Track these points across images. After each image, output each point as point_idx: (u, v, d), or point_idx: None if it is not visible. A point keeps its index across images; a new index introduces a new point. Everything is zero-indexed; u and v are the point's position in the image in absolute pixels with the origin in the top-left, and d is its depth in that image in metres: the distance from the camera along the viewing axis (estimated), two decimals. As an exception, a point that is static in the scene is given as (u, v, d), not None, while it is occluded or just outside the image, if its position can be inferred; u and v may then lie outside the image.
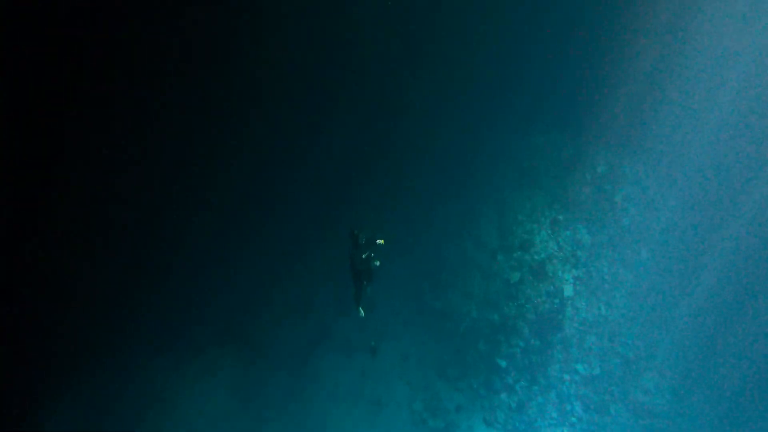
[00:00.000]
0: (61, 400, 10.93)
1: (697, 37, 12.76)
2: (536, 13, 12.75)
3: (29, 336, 11.01)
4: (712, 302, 11.81)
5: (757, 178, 11.87)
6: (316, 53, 12.42)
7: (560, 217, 12.46)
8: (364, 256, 8.76)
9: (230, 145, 12.56)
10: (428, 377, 11.66)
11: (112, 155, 11.51)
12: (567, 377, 11.29)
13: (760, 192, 11.78)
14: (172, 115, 11.73)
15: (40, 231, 11.09)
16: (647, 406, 11.16)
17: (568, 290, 11.72)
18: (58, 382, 11.01)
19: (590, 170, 12.90)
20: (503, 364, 11.48)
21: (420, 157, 13.18)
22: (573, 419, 11.01)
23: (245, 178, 12.72)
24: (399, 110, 12.95)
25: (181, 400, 11.16)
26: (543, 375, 11.26)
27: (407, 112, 13.03)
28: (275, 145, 12.86)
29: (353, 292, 9.13)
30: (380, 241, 8.55)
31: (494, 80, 13.31)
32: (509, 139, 13.39)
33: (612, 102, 12.99)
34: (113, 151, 11.51)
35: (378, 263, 8.79)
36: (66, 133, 10.75)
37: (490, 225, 12.82)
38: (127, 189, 11.78)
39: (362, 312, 9.23)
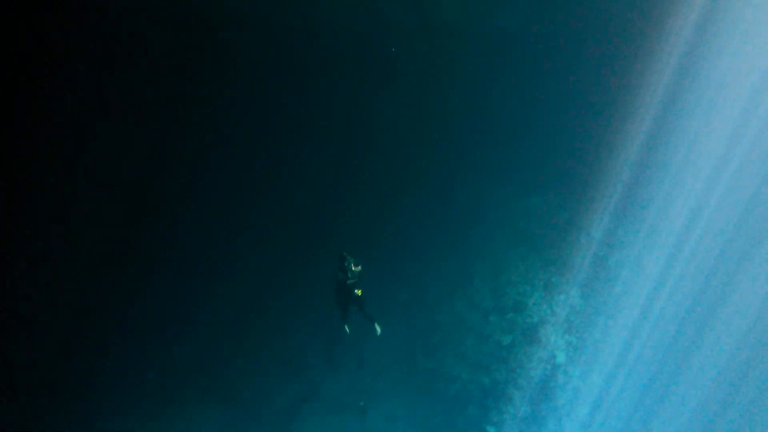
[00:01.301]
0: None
1: (695, 104, 13.06)
2: (535, 75, 13.16)
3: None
4: (710, 376, 11.62)
5: (752, 256, 11.88)
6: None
7: (554, 280, 12.45)
8: (349, 282, 8.72)
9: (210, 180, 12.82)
10: (416, 442, 11.44)
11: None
12: (558, 448, 11.03)
13: (757, 265, 11.76)
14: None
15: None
16: (642, 482, 10.83)
17: (560, 356, 11.58)
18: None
19: (585, 234, 12.97)
20: (492, 431, 11.24)
21: (415, 215, 13.36)
22: (564, 492, 10.68)
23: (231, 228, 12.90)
24: (393, 167, 13.23)
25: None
26: (533, 446, 11.01)
27: (403, 170, 13.33)
28: (268, 189, 13.14)
29: (338, 312, 9.06)
30: (357, 268, 8.56)
31: (492, 141, 13.64)
32: (505, 199, 13.55)
33: (609, 167, 13.19)
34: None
35: (359, 292, 8.73)
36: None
37: (483, 285, 12.81)
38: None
39: (348, 329, 9.18)
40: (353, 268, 8.59)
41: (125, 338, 11.87)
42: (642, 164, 12.80)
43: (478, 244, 13.37)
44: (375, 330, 9.06)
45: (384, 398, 12.02)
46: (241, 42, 11.88)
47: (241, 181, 13.01)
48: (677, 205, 12.73)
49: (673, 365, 11.71)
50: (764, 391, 11.48)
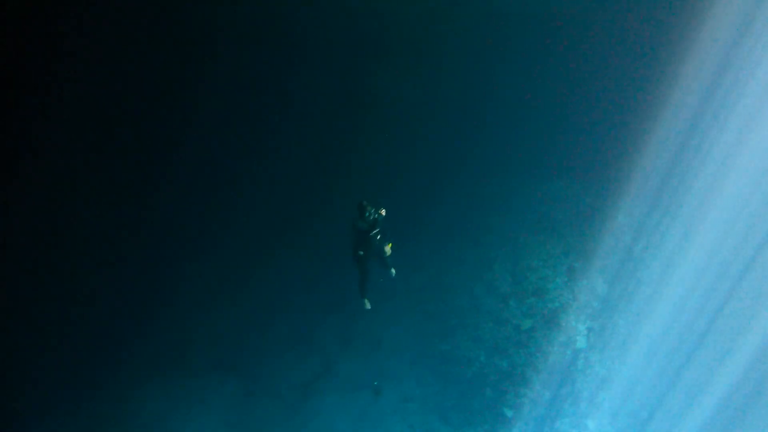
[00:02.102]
0: (47, 422, 10.83)
1: (729, 90, 12.65)
2: (559, 58, 12.90)
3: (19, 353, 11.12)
4: (742, 369, 11.17)
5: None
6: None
7: (576, 266, 12.16)
8: (371, 234, 7.82)
9: (242, 164, 12.81)
10: (430, 422, 11.21)
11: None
12: (576, 433, 10.71)
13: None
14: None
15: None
16: (662, 472, 10.45)
17: (581, 341, 11.28)
18: (44, 401, 10.91)
19: (609, 219, 12.66)
20: (509, 414, 10.97)
21: (434, 199, 13.22)
22: (582, 480, 10.37)
23: (251, 206, 12.89)
24: (412, 151, 13.11)
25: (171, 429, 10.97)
26: (550, 428, 10.69)
27: (421, 154, 13.20)
28: (298, 178, 13.13)
29: (358, 279, 8.24)
30: (382, 211, 7.69)
31: (514, 124, 13.43)
32: (527, 184, 13.33)
33: (634, 151, 12.87)
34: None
35: (389, 247, 7.93)
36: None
37: (503, 270, 12.57)
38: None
39: (368, 304, 8.46)
40: (379, 213, 7.68)
41: (143, 310, 11.95)
42: (677, 149, 12.42)
43: (499, 230, 13.16)
44: (390, 273, 8.47)
45: (398, 379, 11.85)
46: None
47: (259, 172, 13.01)
48: (712, 193, 12.31)
49: (704, 356, 11.28)
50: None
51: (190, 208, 12.79)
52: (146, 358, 11.93)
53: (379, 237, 7.90)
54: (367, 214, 7.67)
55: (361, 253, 7.95)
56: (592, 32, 12.24)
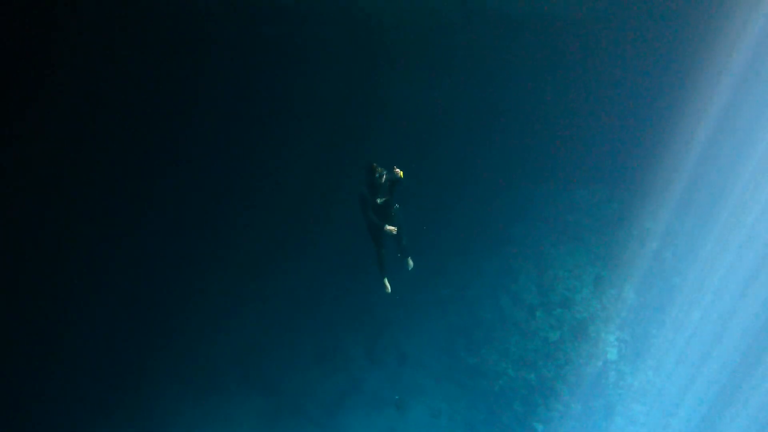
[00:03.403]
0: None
1: (764, 89, 12.27)
2: (580, 64, 12.75)
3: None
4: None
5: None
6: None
7: (604, 275, 11.89)
8: (379, 201, 6.80)
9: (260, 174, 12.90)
10: (459, 438, 11.05)
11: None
12: (611, 449, 10.38)
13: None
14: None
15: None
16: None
17: (611, 353, 10.98)
18: (68, 418, 11.05)
19: (637, 225, 12.37)
20: (540, 428, 10.71)
21: (457, 209, 13.14)
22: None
23: (272, 218, 12.99)
24: (431, 159, 13.07)
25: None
26: (583, 444, 10.41)
27: (440, 162, 13.16)
28: (317, 187, 13.22)
29: (375, 256, 7.36)
30: (399, 172, 6.68)
31: (535, 130, 13.28)
32: (551, 193, 13.14)
33: (661, 155, 12.58)
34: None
35: (397, 207, 6.90)
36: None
37: (528, 280, 12.38)
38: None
39: (389, 286, 7.55)
40: (395, 174, 6.63)
41: (167, 325, 12.15)
42: (706, 152, 12.08)
43: (522, 239, 12.98)
44: (408, 265, 7.64)
45: (426, 394, 11.72)
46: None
47: (279, 182, 13.15)
48: (745, 196, 11.92)
49: (744, 367, 10.83)
50: None
51: (211, 221, 13.03)
52: (172, 374, 12.10)
53: (393, 209, 6.97)
54: (377, 175, 6.61)
55: (378, 222, 6.90)
56: (616, 36, 12.05)
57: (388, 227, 6.81)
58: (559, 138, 12.95)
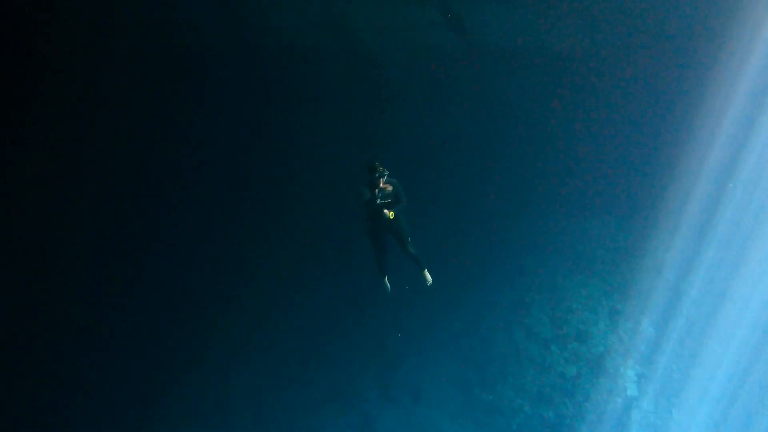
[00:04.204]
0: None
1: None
2: (590, 96, 12.78)
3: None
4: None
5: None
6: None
7: (619, 307, 11.69)
8: (379, 201, 6.64)
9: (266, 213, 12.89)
10: (477, 480, 10.76)
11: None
12: (636, 491, 10.04)
13: None
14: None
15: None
16: None
17: (631, 389, 10.71)
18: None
19: (650, 256, 12.20)
20: (561, 470, 10.44)
21: (468, 241, 13.06)
22: None
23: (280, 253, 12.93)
24: (444, 193, 13.08)
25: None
26: (606, 487, 10.08)
27: (452, 195, 13.15)
28: (324, 221, 13.23)
29: (374, 255, 7.15)
30: (389, 213, 6.56)
31: (545, 161, 13.28)
32: (561, 223, 13.04)
33: (673, 184, 12.48)
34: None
35: (390, 215, 6.64)
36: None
37: (542, 313, 12.19)
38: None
39: (389, 285, 7.39)
40: (382, 185, 6.51)
41: (183, 369, 12.08)
42: (718, 182, 11.94)
43: (534, 271, 12.83)
44: (425, 279, 7.32)
45: (442, 433, 11.49)
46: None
47: (285, 221, 13.18)
48: (759, 225, 11.75)
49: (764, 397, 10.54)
50: None
51: (221, 261, 13.03)
52: (183, 416, 11.98)
53: (388, 205, 6.72)
54: (378, 174, 6.51)
55: (370, 224, 6.81)
56: (623, 66, 12.11)
57: (386, 210, 6.63)
58: (569, 168, 12.94)
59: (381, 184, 6.61)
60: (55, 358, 12.07)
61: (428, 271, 7.38)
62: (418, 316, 13.20)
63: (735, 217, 12.11)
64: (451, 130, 13.23)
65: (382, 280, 7.30)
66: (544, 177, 13.06)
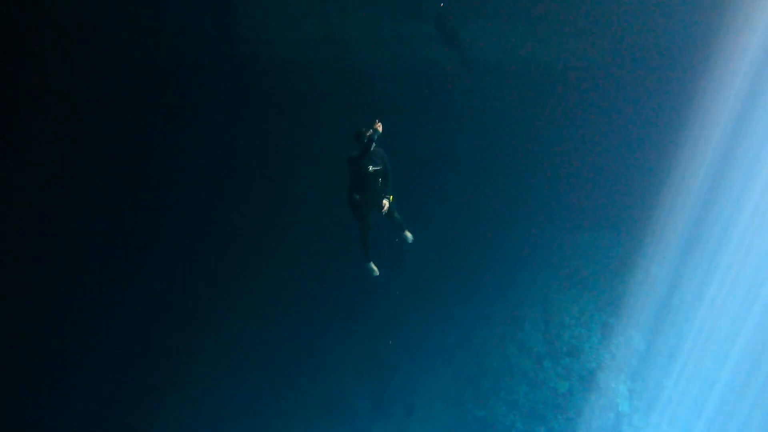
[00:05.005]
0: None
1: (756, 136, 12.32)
2: (582, 109, 12.85)
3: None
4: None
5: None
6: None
7: (612, 322, 11.73)
8: (371, 168, 6.10)
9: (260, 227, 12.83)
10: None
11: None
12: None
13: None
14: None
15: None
16: None
17: (623, 404, 10.74)
18: None
19: (642, 271, 12.26)
20: (553, 487, 10.43)
21: (461, 255, 13.09)
22: None
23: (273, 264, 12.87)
24: (437, 206, 13.09)
25: None
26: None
27: (446, 208, 13.16)
28: (318, 234, 13.20)
29: (358, 235, 6.55)
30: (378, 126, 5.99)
31: (537, 175, 13.34)
32: (554, 238, 13.09)
33: (664, 200, 12.56)
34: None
35: (388, 202, 6.18)
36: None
37: (535, 328, 12.21)
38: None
39: (375, 269, 6.82)
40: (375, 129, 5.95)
41: (175, 380, 11.99)
42: (709, 197, 12.03)
43: (527, 285, 12.87)
44: (407, 238, 6.88)
45: (434, 449, 11.47)
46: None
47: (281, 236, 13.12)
48: (751, 238, 11.84)
49: (761, 418, 10.59)
50: None
51: (214, 271, 12.95)
52: (176, 427, 11.88)
53: (381, 179, 6.19)
54: (366, 140, 6.08)
55: (358, 197, 6.25)
56: (616, 81, 12.21)
57: (385, 201, 6.21)
58: (561, 182, 13.01)
59: (372, 149, 6.09)
60: (53, 358, 12.00)
61: (409, 230, 6.94)
62: (412, 328, 13.21)
63: (726, 231, 12.22)
64: (445, 143, 13.27)
65: (368, 264, 6.75)
66: (536, 191, 13.13)
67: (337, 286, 13.02)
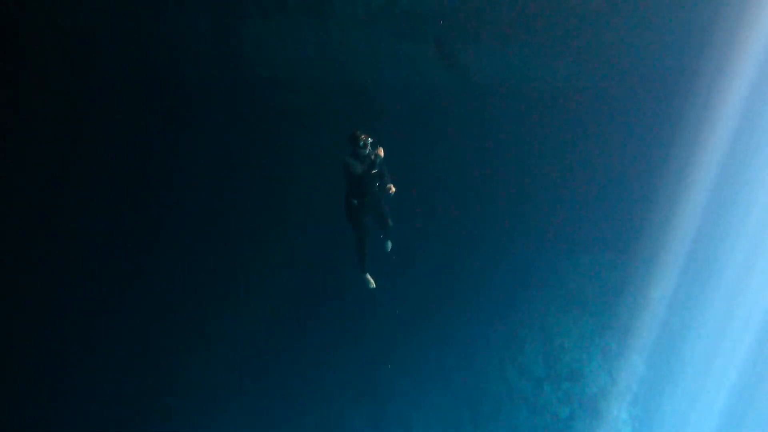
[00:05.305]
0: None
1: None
2: (581, 132, 12.89)
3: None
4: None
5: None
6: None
7: (612, 346, 11.62)
8: (369, 174, 5.97)
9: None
10: None
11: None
12: None
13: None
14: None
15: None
16: None
17: (625, 431, 10.58)
18: None
19: (642, 293, 12.19)
20: None
21: (461, 277, 12.99)
22: None
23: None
24: (435, 226, 13.03)
25: None
26: None
27: (444, 228, 13.11)
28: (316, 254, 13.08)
29: (355, 245, 6.42)
30: (380, 152, 5.93)
31: (536, 196, 13.32)
32: (553, 260, 13.01)
33: (664, 220, 12.53)
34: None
35: (390, 188, 5.96)
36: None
37: (535, 351, 12.08)
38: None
39: (371, 280, 6.60)
40: (377, 154, 5.85)
41: (170, 408, 11.77)
42: (710, 219, 12.02)
43: (527, 307, 12.75)
44: (387, 246, 6.87)
45: (432, 475, 11.23)
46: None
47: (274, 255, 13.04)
48: (749, 263, 11.83)
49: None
50: None
51: (208, 299, 12.79)
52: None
53: (378, 182, 6.04)
54: (362, 144, 5.88)
55: (356, 202, 6.13)
56: (616, 102, 12.26)
57: (390, 186, 5.98)
58: (560, 203, 12.98)
59: (368, 152, 5.92)
60: (54, 359, 11.81)
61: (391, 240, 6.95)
62: (410, 350, 13.02)
63: (726, 254, 12.21)
64: (444, 163, 13.25)
65: (364, 276, 6.56)
66: (535, 211, 13.08)
67: (335, 308, 12.89)
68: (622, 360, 11.42)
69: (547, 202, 13.11)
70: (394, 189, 5.99)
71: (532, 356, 12.00)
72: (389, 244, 6.94)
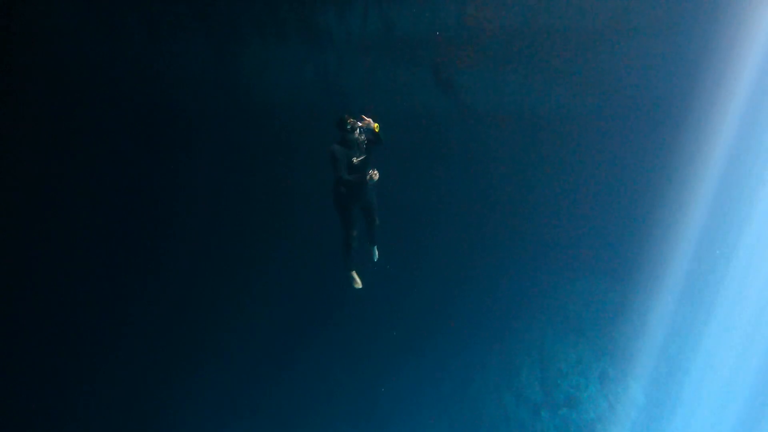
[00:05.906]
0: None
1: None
2: (576, 154, 12.96)
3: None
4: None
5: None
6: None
7: (610, 371, 11.55)
8: (355, 160, 5.74)
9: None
10: None
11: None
12: None
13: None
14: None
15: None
16: None
17: (623, 460, 10.49)
18: None
19: (638, 318, 12.17)
20: None
21: (457, 300, 12.95)
22: None
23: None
24: (432, 250, 13.02)
25: None
26: None
27: (440, 253, 13.10)
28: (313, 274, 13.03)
29: (341, 239, 6.10)
30: (374, 124, 5.75)
31: (533, 219, 13.34)
32: (550, 283, 13.00)
33: (661, 244, 12.54)
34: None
35: (375, 174, 5.67)
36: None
37: (532, 376, 12.01)
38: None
39: (357, 279, 6.32)
40: (370, 126, 5.61)
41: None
42: (706, 243, 12.06)
43: (524, 332, 12.69)
44: (374, 254, 6.59)
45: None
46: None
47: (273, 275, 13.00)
48: (746, 287, 11.83)
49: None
50: None
51: (203, 329, 12.70)
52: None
53: (369, 178, 5.69)
54: (350, 128, 5.74)
55: (344, 190, 5.89)
56: (611, 127, 12.36)
57: (372, 172, 5.68)
58: (557, 228, 12.99)
59: (356, 137, 5.77)
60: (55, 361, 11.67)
61: (377, 248, 6.69)
62: (407, 375, 12.92)
63: (723, 280, 12.22)
64: (440, 189, 13.31)
65: (350, 273, 6.28)
66: (531, 236, 13.09)
67: (332, 334, 12.81)
68: (620, 386, 11.35)
69: (545, 226, 13.14)
70: (377, 175, 5.74)
71: (529, 382, 11.92)
72: (376, 253, 6.62)
